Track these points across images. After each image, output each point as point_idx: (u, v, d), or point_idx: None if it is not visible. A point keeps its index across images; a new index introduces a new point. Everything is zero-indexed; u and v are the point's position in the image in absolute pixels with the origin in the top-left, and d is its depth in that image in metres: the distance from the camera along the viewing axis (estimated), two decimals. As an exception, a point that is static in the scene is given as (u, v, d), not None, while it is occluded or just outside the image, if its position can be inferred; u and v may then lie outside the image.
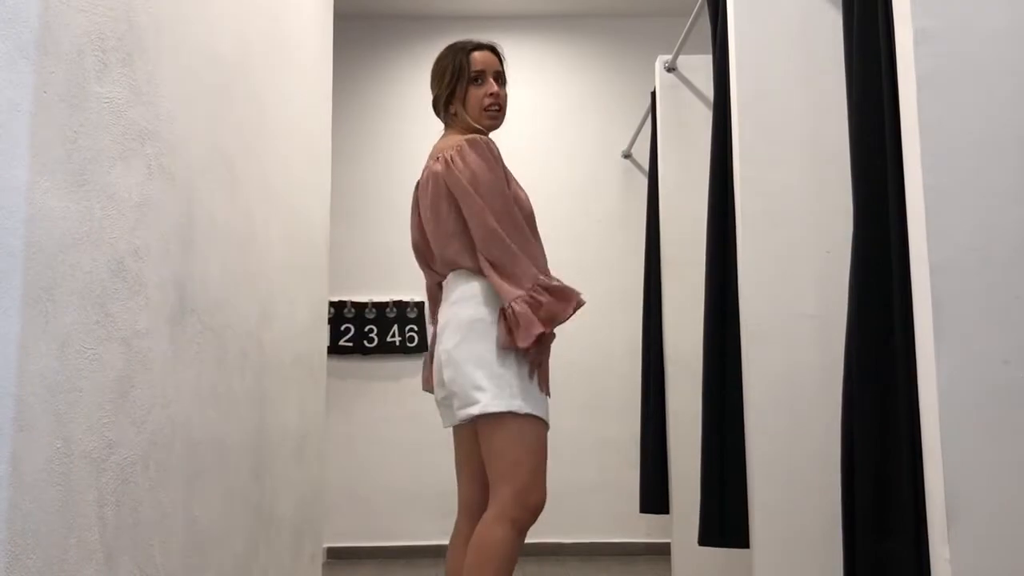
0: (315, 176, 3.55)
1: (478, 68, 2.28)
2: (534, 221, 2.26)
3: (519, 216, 2.18)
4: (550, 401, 2.18)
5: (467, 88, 2.28)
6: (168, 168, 1.99)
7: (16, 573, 1.39)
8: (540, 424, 2.14)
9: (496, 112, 2.28)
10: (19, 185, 1.43)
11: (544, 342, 2.13)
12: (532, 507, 2.10)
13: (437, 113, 2.37)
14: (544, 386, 2.16)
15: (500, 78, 2.32)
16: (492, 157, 2.19)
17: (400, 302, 5.07)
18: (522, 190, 2.29)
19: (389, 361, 5.09)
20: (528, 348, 2.08)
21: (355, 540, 4.89)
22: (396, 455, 5.00)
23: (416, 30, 5.35)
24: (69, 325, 1.56)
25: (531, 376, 2.13)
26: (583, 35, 5.35)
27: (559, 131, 5.16)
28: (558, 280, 2.16)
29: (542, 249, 2.23)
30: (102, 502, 1.67)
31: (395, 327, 5.08)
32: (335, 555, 4.81)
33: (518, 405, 2.09)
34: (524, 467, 2.10)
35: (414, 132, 5.25)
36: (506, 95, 2.33)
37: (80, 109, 1.61)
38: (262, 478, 2.72)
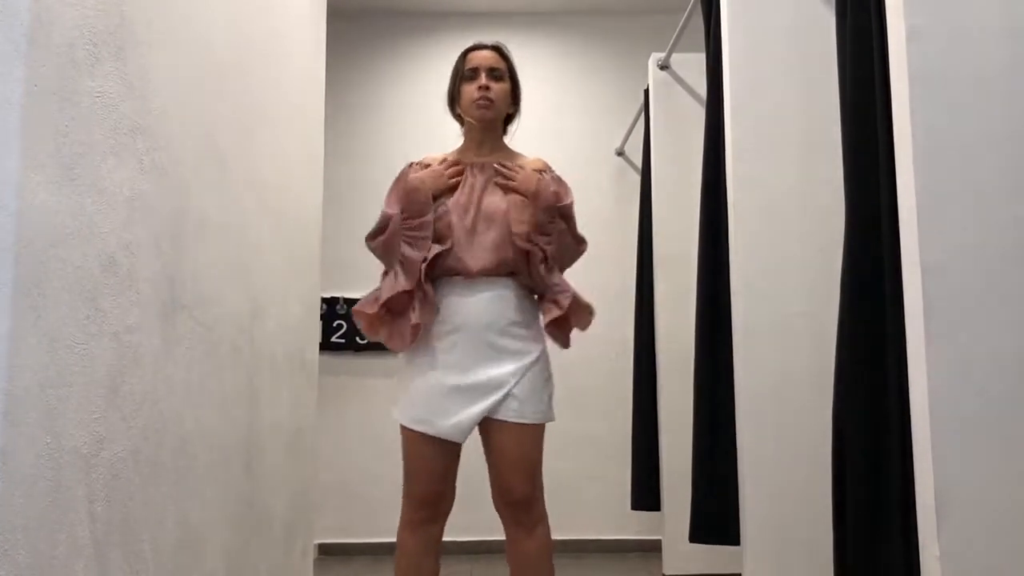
0: (307, 172, 3.54)
1: (471, 66, 2.41)
2: (438, 231, 2.29)
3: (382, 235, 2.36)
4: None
5: (461, 85, 2.42)
6: (160, 163, 1.99)
7: (5, 568, 1.39)
8: (402, 427, 2.31)
9: (485, 103, 2.37)
10: (9, 179, 1.43)
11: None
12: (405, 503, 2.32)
13: (451, 114, 2.52)
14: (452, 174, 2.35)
15: (497, 74, 2.40)
16: (396, 180, 2.42)
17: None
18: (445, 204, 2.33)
19: (381, 358, 5.07)
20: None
21: (347, 536, 4.88)
22: (388, 452, 4.96)
23: (410, 26, 5.34)
24: (59, 320, 1.55)
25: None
26: (576, 32, 5.34)
27: (552, 128, 5.15)
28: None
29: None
30: (92, 498, 1.66)
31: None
32: (326, 551, 4.81)
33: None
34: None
35: (408, 128, 5.24)
36: (504, 88, 2.40)
37: (71, 103, 1.60)
38: (254, 474, 2.71)
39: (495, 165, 2.35)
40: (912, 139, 1.57)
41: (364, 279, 5.10)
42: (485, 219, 2.29)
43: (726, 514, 2.75)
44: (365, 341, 5.04)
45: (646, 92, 4.26)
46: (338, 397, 4.96)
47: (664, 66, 4.05)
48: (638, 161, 4.70)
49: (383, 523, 4.93)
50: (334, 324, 5.04)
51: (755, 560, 2.55)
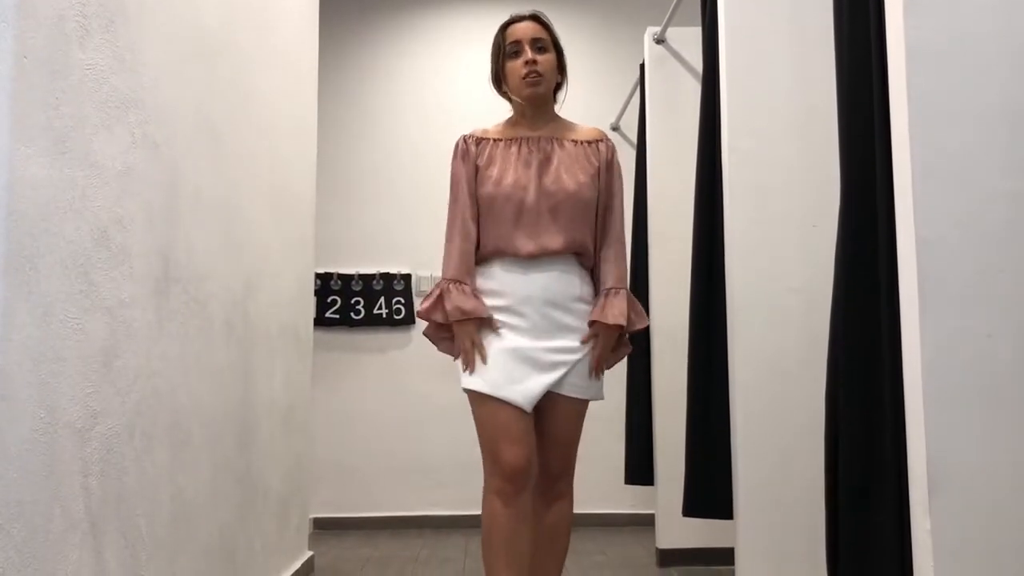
0: (301, 146, 3.52)
1: (513, 40, 2.33)
2: (499, 210, 2.28)
3: (455, 213, 2.32)
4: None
5: (505, 63, 2.34)
6: (152, 137, 1.97)
7: (0, 542, 1.39)
8: (475, 396, 2.25)
9: (535, 79, 2.30)
10: (0, 152, 1.41)
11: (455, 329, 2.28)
12: (490, 473, 2.24)
13: (497, 92, 2.43)
14: (470, 366, 2.26)
15: (541, 44, 2.33)
16: (454, 155, 2.36)
17: (387, 274, 5.06)
18: (494, 180, 2.30)
19: (376, 333, 5.08)
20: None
21: (341, 511, 4.91)
22: (382, 427, 5.00)
23: (404, 2, 5.30)
24: (52, 294, 1.55)
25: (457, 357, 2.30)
26: (571, 7, 5.30)
27: (547, 103, 5.13)
28: (457, 288, 2.27)
29: (499, 238, 2.28)
30: (87, 472, 1.66)
31: (382, 299, 5.07)
32: (321, 526, 4.83)
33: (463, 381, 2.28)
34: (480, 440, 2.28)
35: (402, 104, 5.21)
36: (550, 59, 2.34)
37: (62, 76, 1.59)
38: (248, 449, 2.72)
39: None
40: (908, 113, 1.56)
41: (358, 255, 5.12)
42: (548, 197, 2.27)
43: (719, 488, 2.77)
44: (359, 317, 5.04)
45: (642, 67, 4.23)
46: (332, 372, 4.96)
47: (660, 40, 4.03)
48: (634, 136, 4.68)
49: (378, 498, 4.97)
50: (328, 300, 5.04)
51: (748, 534, 2.57)
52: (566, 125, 2.42)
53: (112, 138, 1.77)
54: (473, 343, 2.24)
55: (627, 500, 4.83)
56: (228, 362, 2.53)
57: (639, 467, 4.02)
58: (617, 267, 2.36)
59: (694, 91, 3.56)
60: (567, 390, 2.27)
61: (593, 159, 2.36)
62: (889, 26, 1.64)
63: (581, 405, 2.33)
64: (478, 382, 2.22)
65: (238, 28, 2.68)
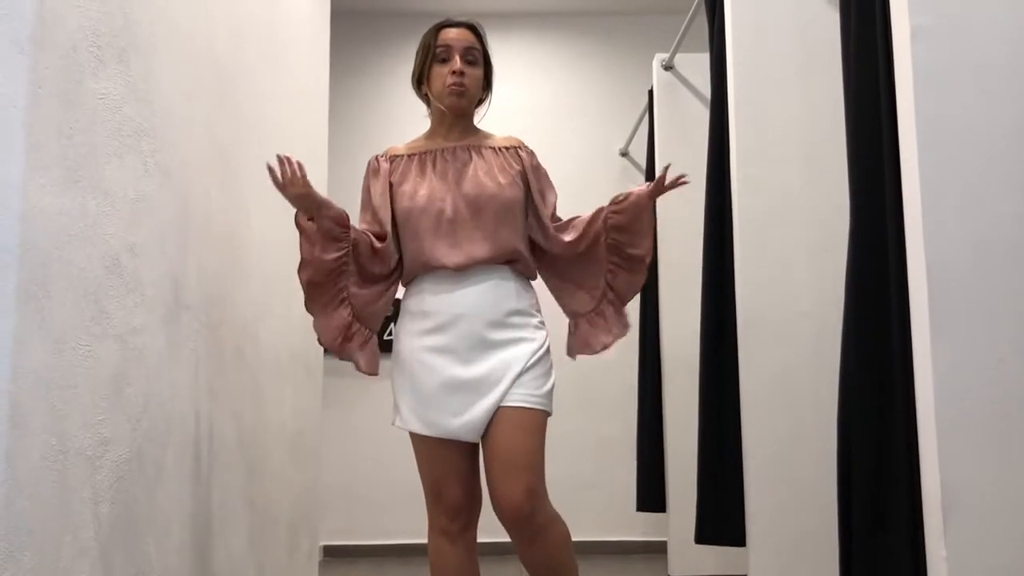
0: (311, 173, 3.54)
1: (443, 44, 2.22)
2: (415, 223, 2.18)
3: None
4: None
5: (431, 66, 2.23)
6: (163, 165, 1.99)
7: (11, 570, 1.39)
8: (414, 435, 2.19)
9: (459, 90, 2.18)
10: (13, 181, 1.43)
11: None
12: (434, 512, 2.15)
13: (416, 93, 2.33)
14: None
15: (472, 57, 2.22)
16: (365, 175, 2.35)
17: (398, 300, 5.06)
18: (408, 194, 2.20)
19: (386, 360, 5.07)
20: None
21: (351, 538, 4.88)
22: (392, 453, 4.95)
23: (414, 27, 5.33)
24: (64, 322, 1.55)
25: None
26: (580, 33, 5.34)
27: (556, 129, 5.15)
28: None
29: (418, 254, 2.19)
30: (97, 499, 1.66)
31: (392, 325, 5.07)
32: (331, 553, 4.81)
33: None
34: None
35: (411, 131, 5.24)
36: (478, 75, 2.23)
37: (75, 105, 1.60)
38: (258, 475, 2.72)
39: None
40: (917, 138, 1.57)
41: (368, 281, 5.09)
42: (468, 203, 2.13)
43: (731, 515, 2.75)
44: (370, 343, 5.03)
45: (650, 93, 4.26)
46: (343, 398, 4.96)
47: (668, 67, 4.05)
48: (642, 162, 4.70)
49: (388, 525, 4.94)
50: (339, 326, 5.03)
51: (760, 561, 2.55)
52: (483, 135, 2.29)
53: (124, 166, 1.79)
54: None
55: (639, 527, 4.79)
56: (239, 388, 2.53)
57: (651, 494, 4.00)
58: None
59: (703, 117, 3.58)
60: (512, 400, 2.06)
61: (514, 163, 2.22)
62: (896, 50, 1.65)
63: (530, 417, 2.07)
64: (415, 423, 2.14)
65: (248, 54, 2.71)
